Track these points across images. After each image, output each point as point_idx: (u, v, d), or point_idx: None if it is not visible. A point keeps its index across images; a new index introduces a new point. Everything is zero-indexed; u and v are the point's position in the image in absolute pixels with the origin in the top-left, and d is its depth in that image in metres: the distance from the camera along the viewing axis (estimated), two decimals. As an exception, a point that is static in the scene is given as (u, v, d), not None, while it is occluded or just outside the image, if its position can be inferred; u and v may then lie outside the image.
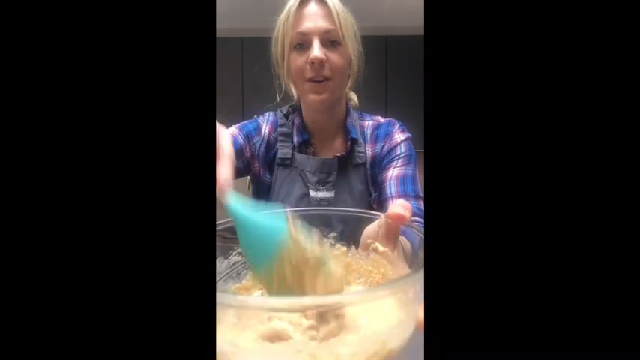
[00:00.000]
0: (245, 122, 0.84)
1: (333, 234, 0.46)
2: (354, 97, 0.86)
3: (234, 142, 0.80)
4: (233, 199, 0.39)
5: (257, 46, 2.86)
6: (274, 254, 0.34)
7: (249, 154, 0.81)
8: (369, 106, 2.56)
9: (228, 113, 2.69)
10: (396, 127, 0.84)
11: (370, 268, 0.42)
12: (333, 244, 0.45)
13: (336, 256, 0.42)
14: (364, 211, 0.45)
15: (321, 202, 0.79)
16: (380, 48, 2.70)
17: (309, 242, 0.35)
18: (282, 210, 0.38)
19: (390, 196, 0.76)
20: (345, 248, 0.45)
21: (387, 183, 0.78)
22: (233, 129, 0.82)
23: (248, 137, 0.82)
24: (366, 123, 0.85)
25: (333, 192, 0.79)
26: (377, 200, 0.81)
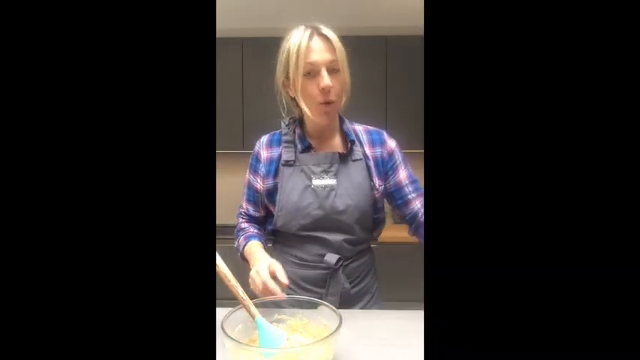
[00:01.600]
0: (250, 161, 1.02)
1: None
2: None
3: (250, 187, 1.01)
4: (260, 317, 0.69)
5: (257, 47, 2.88)
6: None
7: (260, 182, 0.99)
8: (369, 106, 2.57)
9: (228, 112, 2.68)
10: (385, 135, 1.00)
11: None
12: (301, 318, 0.74)
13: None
14: (309, 299, 0.76)
15: (324, 188, 0.93)
16: (380, 48, 2.69)
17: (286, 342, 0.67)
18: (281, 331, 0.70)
19: (410, 195, 0.96)
20: (307, 319, 0.74)
21: (403, 184, 0.97)
22: (246, 175, 1.02)
23: (255, 171, 1.00)
24: (357, 127, 1.00)
25: (335, 180, 0.93)
26: (393, 195, 1.00)
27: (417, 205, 0.96)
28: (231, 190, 3.01)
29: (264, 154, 0.99)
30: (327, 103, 0.87)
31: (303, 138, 0.96)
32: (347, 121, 0.99)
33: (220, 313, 0.82)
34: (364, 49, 2.63)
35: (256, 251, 0.91)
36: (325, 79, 0.84)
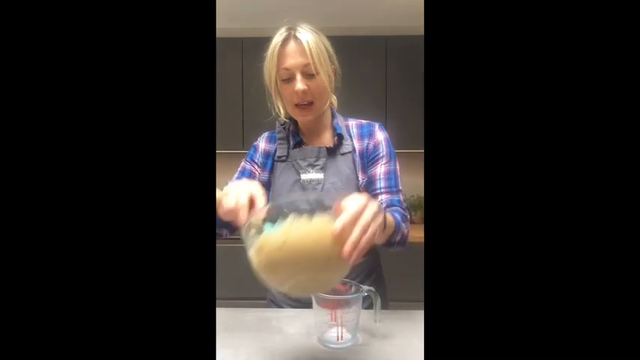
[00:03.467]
0: (247, 152, 1.05)
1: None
2: (334, 100, 1.06)
3: (244, 171, 1.01)
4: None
5: (256, 46, 2.87)
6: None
7: (257, 170, 1.01)
8: (369, 105, 2.57)
9: (227, 111, 2.68)
10: (376, 127, 0.99)
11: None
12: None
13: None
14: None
15: (311, 182, 0.93)
16: (380, 48, 2.69)
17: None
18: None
19: (379, 190, 0.92)
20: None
21: (377, 178, 0.93)
22: (242, 163, 1.03)
23: (252, 159, 1.02)
24: (350, 122, 1.01)
25: (322, 174, 0.93)
26: (366, 188, 0.98)
27: (382, 199, 0.92)
28: (231, 190, 3.01)
29: (262, 146, 1.02)
30: (303, 105, 0.88)
31: (295, 134, 0.98)
32: (339, 116, 1.00)
33: (220, 313, 0.83)
34: (364, 49, 2.63)
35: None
36: (298, 84, 0.85)
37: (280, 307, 0.77)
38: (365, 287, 0.77)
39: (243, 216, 0.61)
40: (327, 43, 0.91)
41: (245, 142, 2.70)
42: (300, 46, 0.85)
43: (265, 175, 0.99)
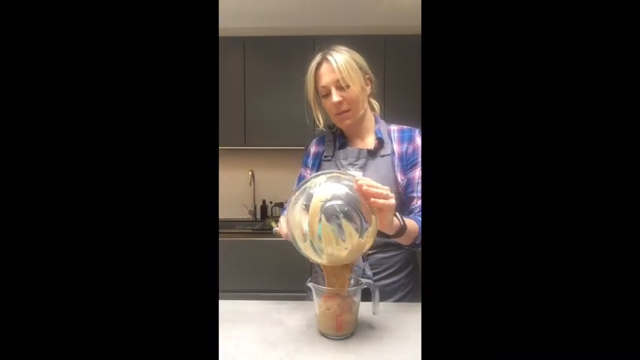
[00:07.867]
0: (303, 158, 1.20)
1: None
2: (375, 105, 1.13)
3: (300, 178, 1.15)
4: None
5: (258, 45, 2.88)
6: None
7: (308, 173, 1.13)
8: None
9: (230, 109, 2.69)
10: (417, 132, 1.08)
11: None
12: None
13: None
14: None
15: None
16: (378, 47, 2.68)
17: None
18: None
19: (415, 194, 1.02)
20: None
21: (414, 182, 1.02)
22: (300, 169, 1.18)
23: (305, 164, 1.16)
24: (392, 127, 1.10)
25: (362, 173, 1.01)
26: (405, 189, 1.03)
27: (417, 204, 1.00)
28: (233, 184, 3.02)
29: (312, 150, 1.16)
30: (341, 113, 1.02)
31: (340, 137, 1.12)
32: (382, 122, 1.11)
33: (223, 305, 0.84)
34: (363, 49, 2.61)
35: None
36: (334, 97, 1.00)
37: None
38: (364, 280, 0.78)
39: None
40: (359, 58, 1.05)
41: (247, 138, 2.71)
42: (331, 65, 1.00)
43: (312, 174, 1.07)
